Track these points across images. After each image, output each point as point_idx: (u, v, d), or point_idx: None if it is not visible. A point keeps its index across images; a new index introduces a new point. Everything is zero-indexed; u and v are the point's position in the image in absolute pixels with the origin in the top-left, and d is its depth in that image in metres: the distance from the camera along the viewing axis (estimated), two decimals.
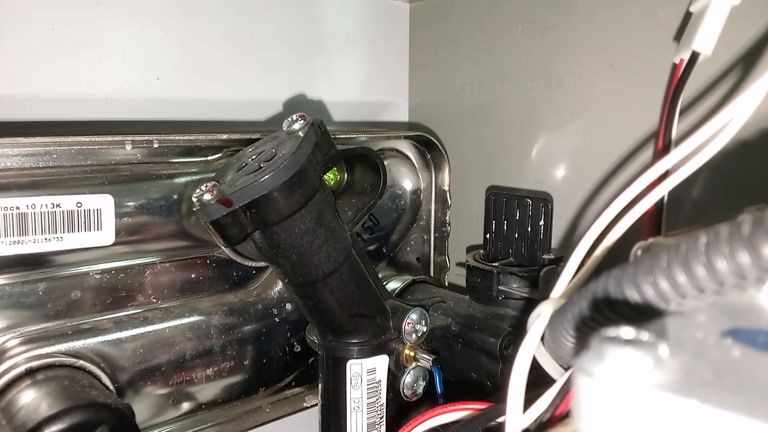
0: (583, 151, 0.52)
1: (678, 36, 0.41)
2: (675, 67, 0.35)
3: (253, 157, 0.40)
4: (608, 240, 0.30)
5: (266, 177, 0.37)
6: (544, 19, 0.53)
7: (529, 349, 0.28)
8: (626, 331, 0.16)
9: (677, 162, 0.28)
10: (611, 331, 0.17)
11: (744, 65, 0.35)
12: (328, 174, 0.48)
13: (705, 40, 0.33)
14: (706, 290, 0.19)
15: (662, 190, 0.29)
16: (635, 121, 0.47)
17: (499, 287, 0.48)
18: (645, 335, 0.16)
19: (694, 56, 0.34)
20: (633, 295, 0.21)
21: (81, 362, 0.38)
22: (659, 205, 0.33)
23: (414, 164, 0.55)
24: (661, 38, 0.43)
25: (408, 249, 0.57)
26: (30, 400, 0.34)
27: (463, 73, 0.60)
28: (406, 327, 0.44)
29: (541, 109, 0.54)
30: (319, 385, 0.45)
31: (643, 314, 0.21)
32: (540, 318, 0.28)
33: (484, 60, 0.58)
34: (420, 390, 0.46)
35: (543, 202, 0.49)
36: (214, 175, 0.42)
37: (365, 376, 0.43)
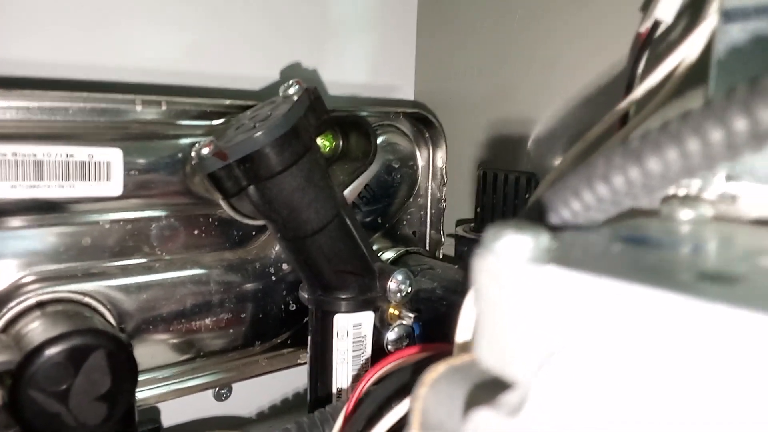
0: (574, 131, 0.54)
1: None
2: (638, 36, 0.37)
3: (251, 117, 0.43)
4: None
5: (259, 134, 0.40)
6: (541, 3, 0.55)
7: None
8: (512, 223, 0.19)
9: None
10: (501, 223, 0.19)
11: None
12: (324, 141, 0.51)
13: (666, 9, 0.35)
14: (604, 200, 0.21)
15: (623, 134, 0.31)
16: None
17: None
18: (529, 225, 0.19)
19: (656, 24, 0.36)
20: (550, 212, 0.23)
21: (87, 299, 0.42)
22: None
23: (411, 140, 0.58)
24: None
25: (405, 223, 0.59)
26: (36, 326, 0.37)
27: (466, 58, 0.63)
28: (391, 286, 0.47)
29: (536, 91, 0.56)
30: (309, 338, 0.48)
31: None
32: None
33: (485, 45, 0.61)
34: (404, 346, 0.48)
35: (529, 177, 0.51)
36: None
37: (351, 330, 0.46)
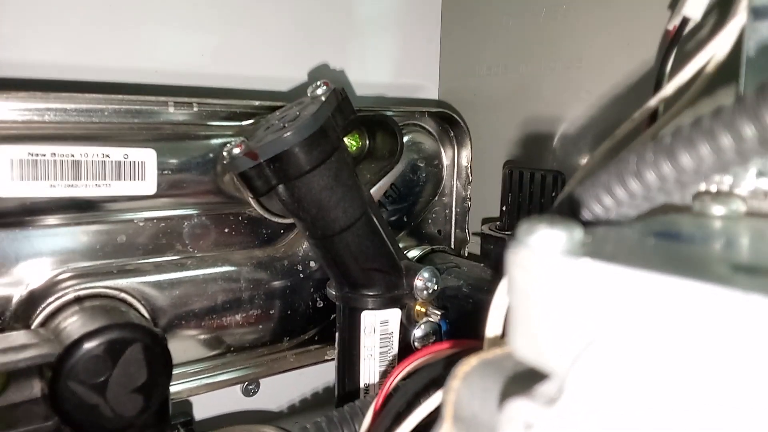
0: (600, 129, 0.54)
1: None
2: (667, 33, 0.37)
3: (280, 118, 0.44)
4: None
5: (288, 134, 0.41)
6: (567, 0, 0.55)
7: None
8: (545, 217, 0.19)
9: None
10: (534, 218, 0.19)
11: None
12: (351, 141, 0.52)
13: (695, 6, 0.35)
14: (636, 195, 0.22)
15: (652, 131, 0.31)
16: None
17: None
18: (562, 220, 0.19)
19: (685, 21, 0.36)
20: (581, 208, 0.24)
21: (123, 294, 0.43)
22: None
23: (436, 139, 0.59)
24: None
25: (430, 221, 0.60)
26: (75, 320, 0.38)
27: (490, 56, 0.63)
28: (418, 283, 0.47)
29: (561, 89, 0.56)
30: (336, 335, 0.49)
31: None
32: None
33: (509, 43, 0.61)
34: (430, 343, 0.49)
35: (556, 176, 0.51)
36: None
37: (378, 327, 0.47)
